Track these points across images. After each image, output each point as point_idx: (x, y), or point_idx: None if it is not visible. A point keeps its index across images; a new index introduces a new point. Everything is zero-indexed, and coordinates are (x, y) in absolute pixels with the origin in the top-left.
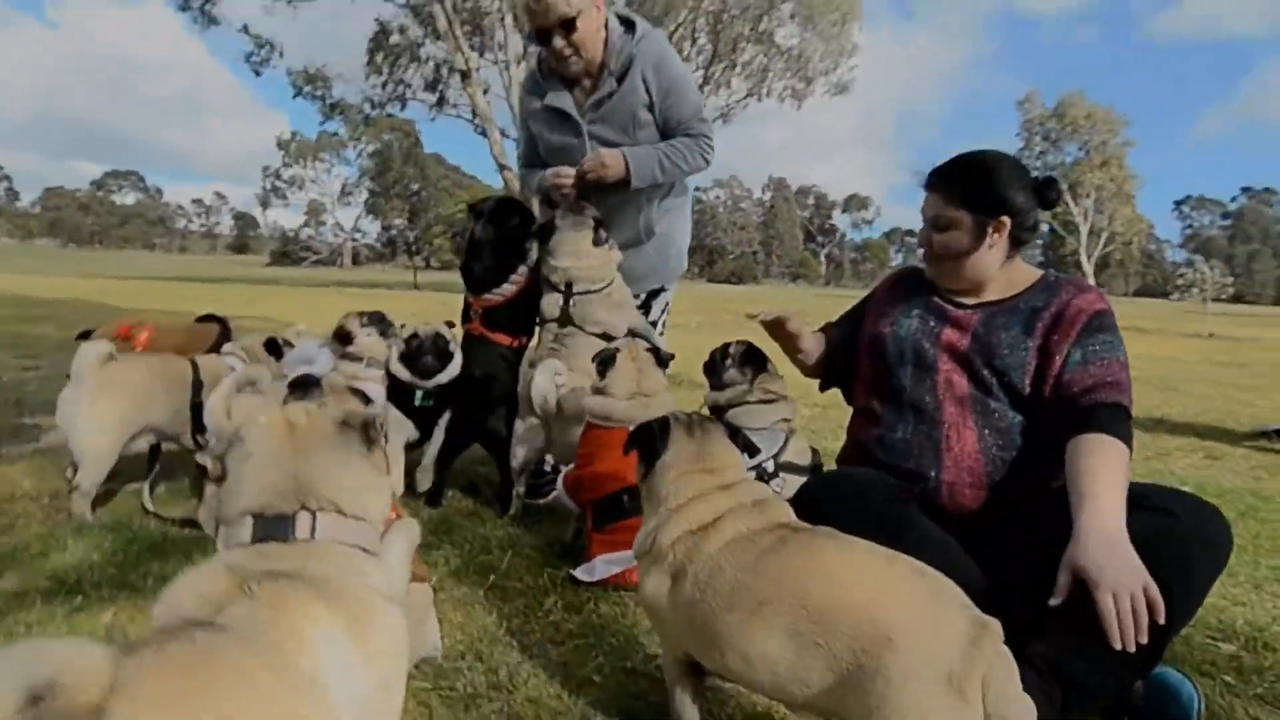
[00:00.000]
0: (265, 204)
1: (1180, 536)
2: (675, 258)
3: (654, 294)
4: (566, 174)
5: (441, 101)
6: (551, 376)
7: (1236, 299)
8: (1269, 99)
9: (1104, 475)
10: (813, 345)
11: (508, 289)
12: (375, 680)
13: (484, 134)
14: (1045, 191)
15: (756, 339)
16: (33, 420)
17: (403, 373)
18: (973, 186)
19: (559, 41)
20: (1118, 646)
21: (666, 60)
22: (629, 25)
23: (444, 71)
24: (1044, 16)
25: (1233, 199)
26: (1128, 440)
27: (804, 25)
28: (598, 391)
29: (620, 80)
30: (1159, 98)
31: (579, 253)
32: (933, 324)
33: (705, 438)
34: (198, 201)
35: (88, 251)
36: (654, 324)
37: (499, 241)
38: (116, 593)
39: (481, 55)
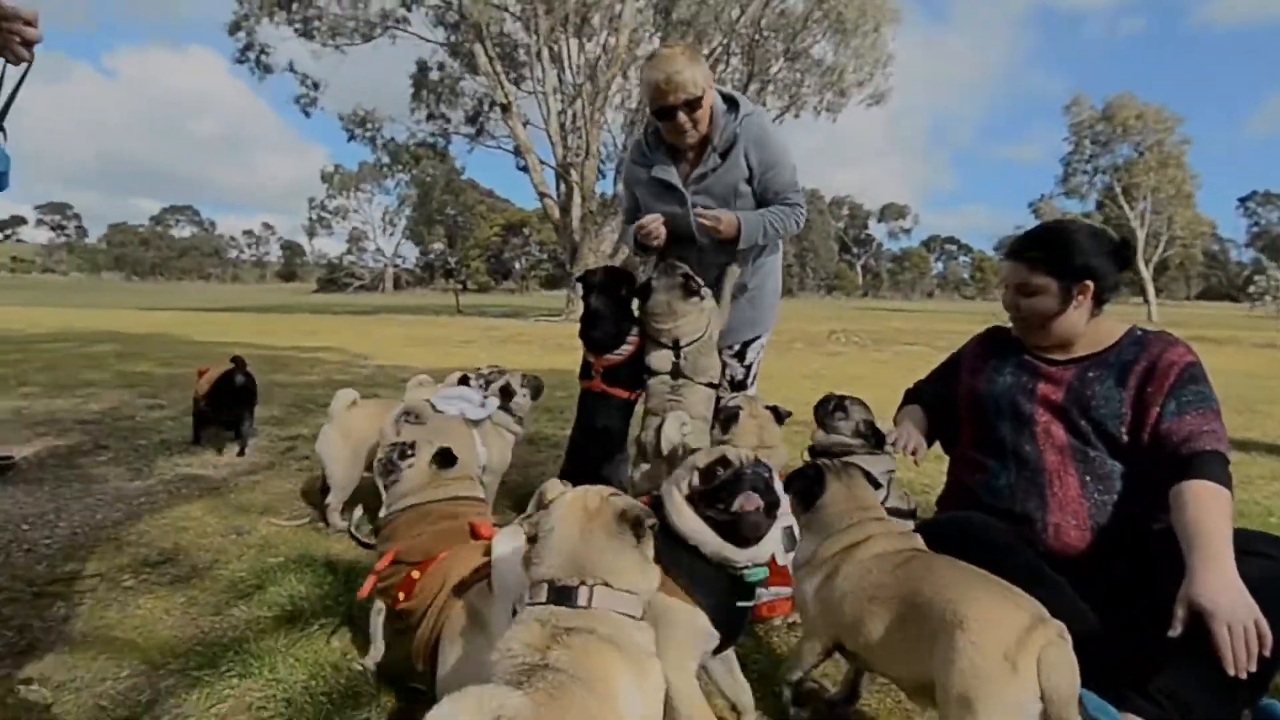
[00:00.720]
0: (311, 233)
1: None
2: (769, 309)
3: (748, 343)
4: (654, 225)
5: (480, 133)
6: (679, 426)
7: None
8: None
9: (1212, 520)
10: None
11: (625, 349)
12: (649, 716)
13: (524, 166)
14: (1122, 252)
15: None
16: (185, 461)
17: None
18: (1057, 255)
19: (682, 118)
20: (1231, 673)
21: (767, 136)
22: (731, 103)
23: (484, 105)
24: (1085, 11)
25: None
26: (1229, 485)
27: (837, 38)
28: (722, 444)
29: (724, 156)
30: (1213, 90)
31: (675, 312)
32: (1026, 380)
33: (851, 481)
34: (248, 233)
35: (151, 283)
36: (749, 367)
37: (614, 308)
38: (330, 619)
39: (518, 88)
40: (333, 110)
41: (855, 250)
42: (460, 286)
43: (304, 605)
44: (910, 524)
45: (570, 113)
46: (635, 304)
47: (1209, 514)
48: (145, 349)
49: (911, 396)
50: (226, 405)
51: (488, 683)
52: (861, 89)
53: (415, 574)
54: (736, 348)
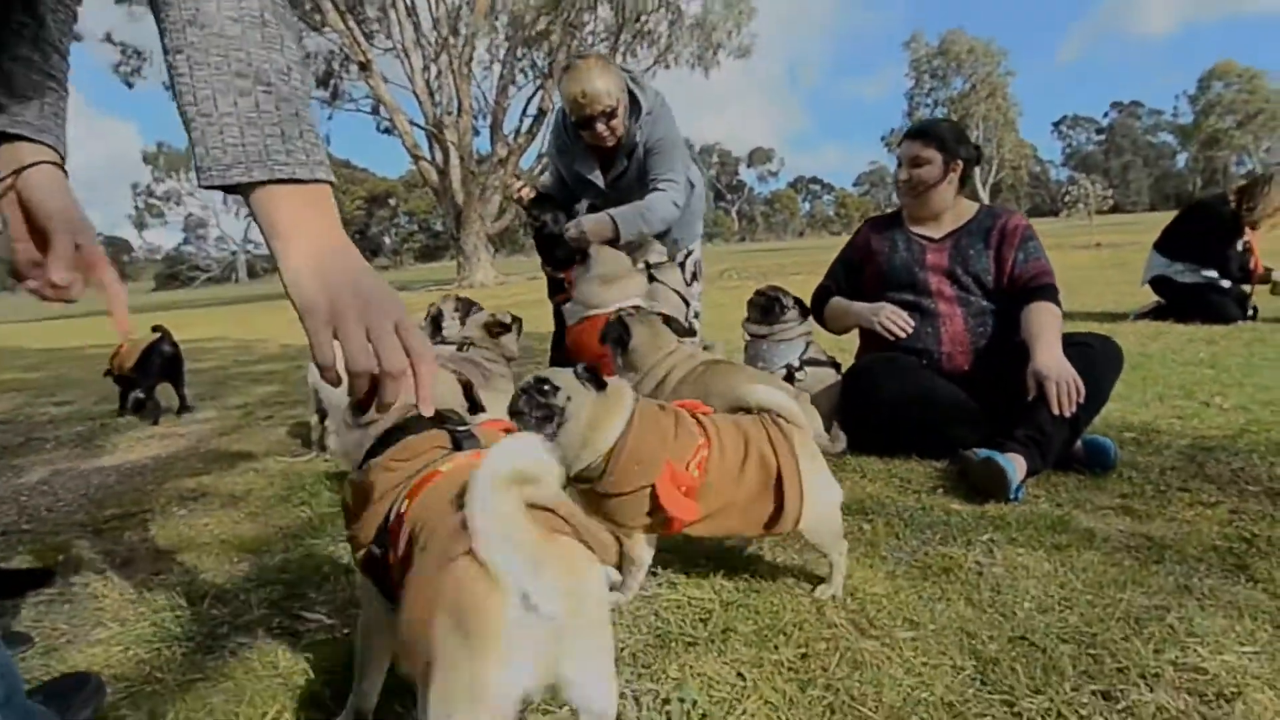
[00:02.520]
0: (140, 224)
1: (1093, 356)
2: (689, 225)
3: (686, 255)
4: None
5: (335, 96)
6: None
7: (1116, 209)
8: (1126, 13)
9: (1047, 324)
10: None
11: None
12: None
13: (388, 128)
14: (975, 149)
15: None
16: (144, 434)
17: None
18: (940, 136)
19: (600, 127)
20: (1056, 412)
21: (656, 128)
22: (635, 106)
23: (336, 65)
24: None
25: (1104, 115)
26: (1058, 304)
27: None
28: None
29: (629, 157)
30: (1027, 21)
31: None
32: (916, 252)
33: (652, 325)
34: None
35: None
36: (693, 274)
37: (563, 225)
38: None
39: (371, 43)
40: (155, 79)
41: (729, 197)
42: None
43: None
44: (830, 368)
45: (435, 68)
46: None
47: (1043, 321)
48: None
49: (824, 294)
50: (156, 374)
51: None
52: (730, 40)
53: None
54: (679, 258)
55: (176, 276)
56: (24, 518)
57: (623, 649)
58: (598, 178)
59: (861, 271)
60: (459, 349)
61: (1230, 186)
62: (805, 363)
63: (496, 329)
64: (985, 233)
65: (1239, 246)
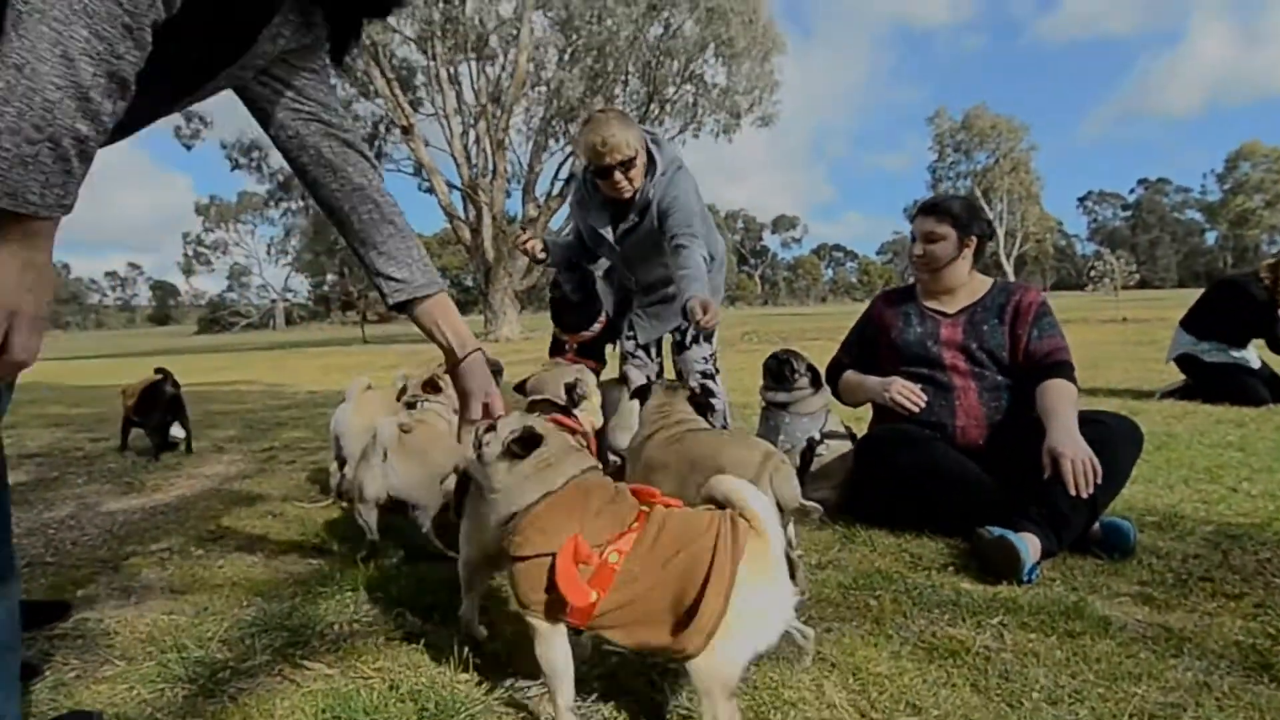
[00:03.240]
0: (188, 271)
1: (1111, 435)
2: (716, 293)
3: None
4: (530, 243)
5: (378, 157)
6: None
7: (1143, 285)
8: (1149, 93)
9: (1061, 402)
10: None
11: (596, 327)
12: None
13: (427, 188)
14: (989, 226)
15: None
16: (169, 477)
17: None
18: (955, 213)
19: (618, 176)
20: (1073, 492)
21: (671, 187)
22: (652, 163)
23: (381, 128)
24: (933, 28)
25: (1130, 191)
26: (1074, 383)
27: (729, 64)
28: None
29: (641, 215)
30: (1050, 99)
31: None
32: (930, 328)
33: (670, 394)
34: (111, 274)
35: None
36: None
37: (582, 295)
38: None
39: (415, 110)
40: (213, 139)
41: (753, 261)
42: (359, 318)
43: (379, 546)
44: (847, 441)
45: (474, 133)
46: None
47: (1059, 398)
48: (39, 396)
49: (838, 368)
50: (157, 413)
51: None
52: (752, 111)
53: None
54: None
55: (218, 321)
56: (49, 550)
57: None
58: (608, 232)
59: (875, 345)
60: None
61: (1261, 264)
62: (825, 436)
63: (430, 388)
64: (999, 309)
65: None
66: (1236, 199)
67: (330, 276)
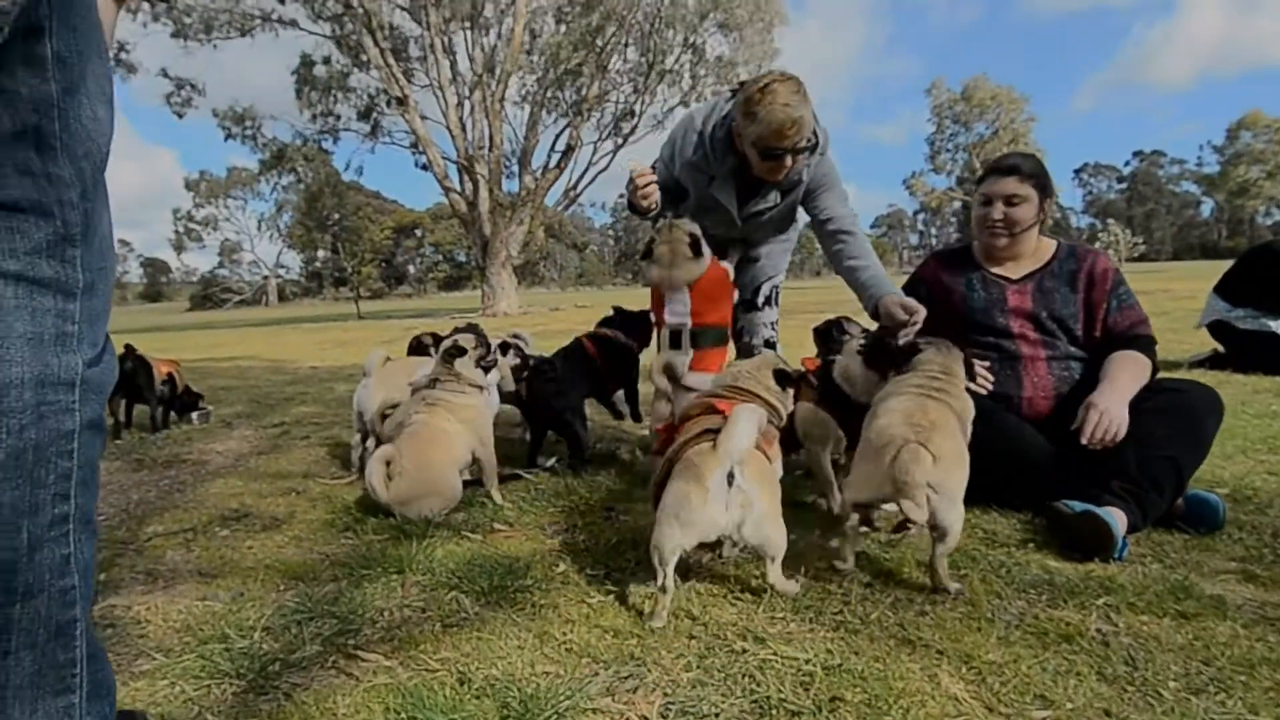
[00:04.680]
0: (179, 247)
1: (1193, 404)
2: (782, 259)
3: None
4: (648, 186)
5: (375, 130)
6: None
7: (1141, 258)
8: (1145, 63)
9: (1125, 370)
10: None
11: None
12: None
13: (424, 163)
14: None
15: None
16: (182, 451)
17: None
18: (1038, 173)
19: (789, 160)
20: (1084, 440)
21: (823, 165)
22: (813, 145)
23: (376, 100)
24: (925, 1)
25: (1125, 163)
26: (1153, 358)
27: (730, 34)
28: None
29: (784, 194)
30: (1043, 71)
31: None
32: (996, 295)
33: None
34: None
35: None
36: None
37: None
38: (441, 533)
39: (410, 81)
40: (205, 108)
41: None
42: (355, 294)
43: (410, 528)
44: None
45: (469, 104)
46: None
47: (1123, 366)
48: None
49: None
50: (116, 391)
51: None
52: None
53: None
54: (767, 288)
55: (210, 298)
56: None
57: (717, 715)
58: (733, 206)
59: (932, 307)
60: (430, 386)
61: None
62: None
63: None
64: (1070, 275)
65: None
66: (1237, 170)
67: (322, 253)
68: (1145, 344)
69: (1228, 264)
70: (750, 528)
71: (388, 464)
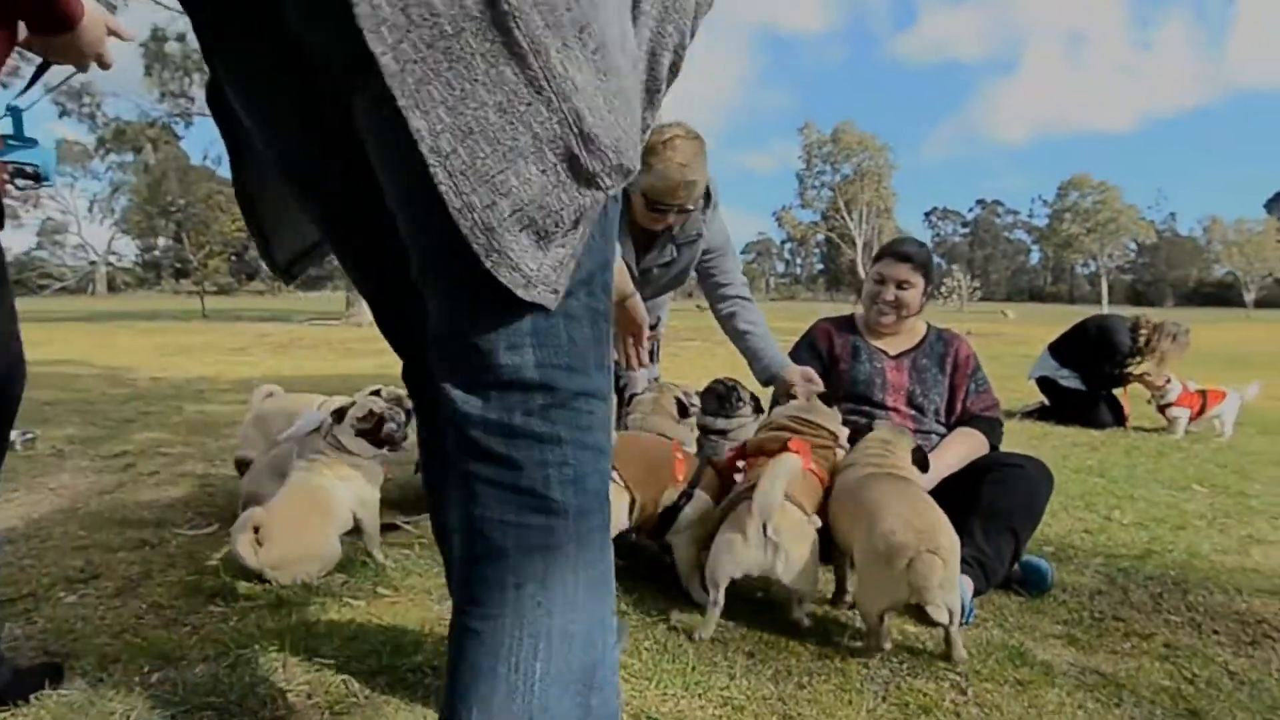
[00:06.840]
0: None
1: (1030, 478)
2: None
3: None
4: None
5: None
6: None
7: (984, 299)
8: (986, 119)
9: (957, 446)
10: None
11: None
12: None
13: None
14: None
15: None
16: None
17: None
18: (925, 262)
19: (673, 217)
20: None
21: (717, 223)
22: (707, 198)
23: None
24: (800, 37)
25: (969, 209)
26: (991, 437)
27: None
28: None
29: (681, 249)
30: (900, 115)
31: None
32: (878, 367)
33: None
34: None
35: None
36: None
37: None
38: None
39: None
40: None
41: None
42: (199, 289)
43: (286, 594)
44: None
45: None
46: None
47: (959, 441)
48: None
49: None
50: None
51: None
52: None
53: None
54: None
55: (24, 283)
56: None
57: None
58: (632, 260)
59: (823, 369)
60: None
61: (1144, 318)
62: None
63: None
64: (940, 359)
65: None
66: (1064, 224)
67: (163, 240)
68: (990, 425)
69: (1052, 308)
70: (784, 572)
71: (256, 530)
